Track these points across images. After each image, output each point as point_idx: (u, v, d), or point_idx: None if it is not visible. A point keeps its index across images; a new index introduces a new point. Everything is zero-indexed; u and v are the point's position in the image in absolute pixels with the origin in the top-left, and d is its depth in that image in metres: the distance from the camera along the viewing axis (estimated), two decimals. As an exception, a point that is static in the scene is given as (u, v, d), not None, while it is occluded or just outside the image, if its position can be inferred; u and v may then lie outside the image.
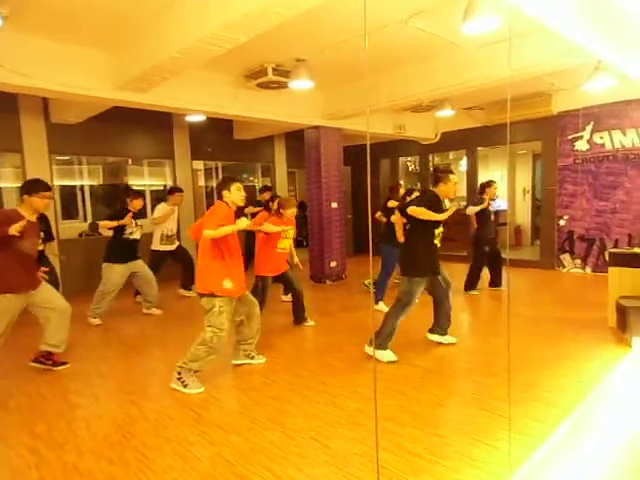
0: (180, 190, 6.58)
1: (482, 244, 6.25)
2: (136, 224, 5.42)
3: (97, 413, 3.18)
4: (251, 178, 11.28)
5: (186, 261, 6.54)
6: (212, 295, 3.39)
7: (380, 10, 4.09)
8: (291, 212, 4.88)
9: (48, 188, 3.69)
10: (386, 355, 3.88)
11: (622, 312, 4.17)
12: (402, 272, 4.06)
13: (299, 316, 5.13)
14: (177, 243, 6.46)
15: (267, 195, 6.95)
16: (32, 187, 3.63)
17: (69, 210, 8.82)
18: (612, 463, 2.43)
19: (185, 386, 3.42)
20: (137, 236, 5.45)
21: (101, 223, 5.28)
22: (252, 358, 3.95)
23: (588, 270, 7.71)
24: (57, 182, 7.33)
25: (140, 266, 5.58)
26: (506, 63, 4.92)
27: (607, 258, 5.72)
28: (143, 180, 9.08)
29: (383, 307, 5.28)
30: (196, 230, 3.65)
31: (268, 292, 4.85)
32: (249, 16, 3.23)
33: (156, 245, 6.29)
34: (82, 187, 9.02)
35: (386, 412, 2.97)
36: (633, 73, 4.87)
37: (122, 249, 5.37)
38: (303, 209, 11.07)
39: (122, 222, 5.25)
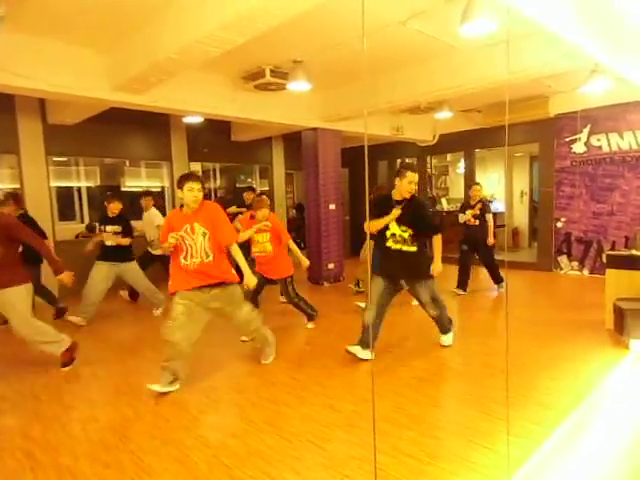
0: (148, 194, 6.63)
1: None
2: (105, 230, 5.36)
3: (92, 415, 3.15)
4: (249, 180, 11.27)
5: None
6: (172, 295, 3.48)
7: (378, 11, 4.09)
8: (261, 213, 4.61)
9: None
10: (358, 351, 3.89)
11: (619, 314, 4.17)
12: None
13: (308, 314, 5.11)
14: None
15: (250, 195, 6.92)
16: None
17: (65, 211, 8.77)
18: (610, 465, 2.42)
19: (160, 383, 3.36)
20: (110, 243, 5.33)
21: (121, 241, 5.36)
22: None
23: (585, 272, 7.72)
24: (54, 183, 7.29)
25: (129, 273, 5.54)
26: (504, 65, 4.93)
27: (604, 260, 5.75)
28: (140, 182, 9.05)
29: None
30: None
31: (257, 293, 4.69)
32: (246, 17, 3.22)
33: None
34: (79, 188, 8.97)
35: (383, 414, 2.96)
36: (632, 77, 4.87)
37: (104, 248, 5.38)
38: (301, 211, 11.07)
39: (124, 242, 5.36)
